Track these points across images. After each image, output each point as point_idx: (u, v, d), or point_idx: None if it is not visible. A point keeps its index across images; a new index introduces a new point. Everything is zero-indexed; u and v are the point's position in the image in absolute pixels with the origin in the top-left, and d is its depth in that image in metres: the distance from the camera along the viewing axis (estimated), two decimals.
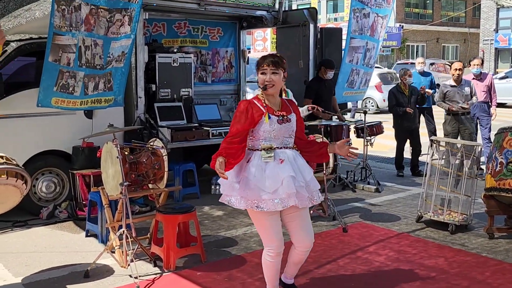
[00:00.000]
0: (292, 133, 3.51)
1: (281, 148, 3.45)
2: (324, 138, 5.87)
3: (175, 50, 7.29)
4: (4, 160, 3.80)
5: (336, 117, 7.26)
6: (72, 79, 5.27)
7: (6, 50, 5.74)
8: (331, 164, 5.94)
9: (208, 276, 4.28)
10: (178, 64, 7.03)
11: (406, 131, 8.02)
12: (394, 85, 8.80)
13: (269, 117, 3.40)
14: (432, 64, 22.00)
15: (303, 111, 6.20)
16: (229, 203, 3.49)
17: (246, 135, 3.45)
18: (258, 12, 7.89)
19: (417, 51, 37.84)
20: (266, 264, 3.59)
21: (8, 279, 4.25)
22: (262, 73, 3.44)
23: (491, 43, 32.52)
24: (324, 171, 5.69)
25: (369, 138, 7.55)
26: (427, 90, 9.01)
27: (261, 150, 3.42)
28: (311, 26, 7.67)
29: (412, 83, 8.23)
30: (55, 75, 5.16)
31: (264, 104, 3.46)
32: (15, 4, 7.74)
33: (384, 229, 5.48)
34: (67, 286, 4.11)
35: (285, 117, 3.47)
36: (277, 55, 3.54)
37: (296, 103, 3.88)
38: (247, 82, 9.28)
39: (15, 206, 4.06)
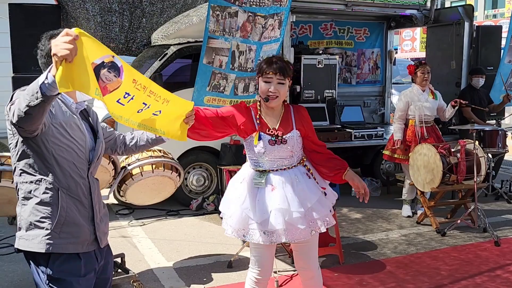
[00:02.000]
0: (292, 153, 2.97)
1: (276, 170, 2.95)
2: (476, 144, 5.49)
3: (320, 52, 7.34)
4: (162, 154, 4.17)
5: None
6: (224, 80, 5.58)
7: (166, 53, 6.28)
8: (483, 172, 5.52)
9: (339, 278, 4.26)
10: (323, 65, 7.08)
11: None
12: None
13: (260, 138, 2.90)
14: None
15: (448, 109, 5.85)
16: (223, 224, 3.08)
17: (220, 125, 2.91)
18: (408, 11, 7.61)
19: None
20: (247, 285, 3.11)
21: (162, 263, 4.66)
22: (265, 82, 2.87)
23: None
24: (475, 179, 5.31)
25: None
26: None
27: (255, 171, 2.99)
28: (466, 24, 7.20)
29: None
30: (208, 76, 5.51)
31: (258, 118, 2.94)
32: (176, 12, 8.43)
33: None
34: (212, 274, 4.38)
35: (279, 138, 2.91)
36: (284, 59, 2.97)
37: (307, 112, 3.14)
38: (393, 83, 9.01)
39: (169, 197, 4.44)
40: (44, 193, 2.12)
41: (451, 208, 6.02)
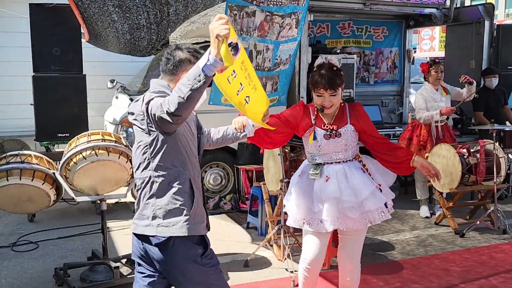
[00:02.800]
0: (347, 146, 3.14)
1: (331, 163, 3.14)
2: (496, 144, 5.42)
3: (338, 51, 7.31)
4: None
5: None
6: None
7: None
8: (503, 173, 5.45)
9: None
10: (341, 64, 7.04)
11: None
12: None
13: (315, 136, 3.11)
14: None
15: (435, 115, 5.71)
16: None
17: (285, 131, 3.18)
18: (427, 10, 7.53)
19: None
20: (300, 275, 3.35)
21: None
22: (318, 96, 3.07)
23: None
24: (494, 180, 5.24)
25: None
26: None
27: (312, 165, 3.19)
28: (487, 23, 7.11)
29: None
30: None
31: (314, 116, 3.15)
32: (191, 9, 8.43)
33: None
34: (229, 273, 4.38)
35: (334, 132, 3.11)
36: (334, 68, 3.06)
37: (363, 108, 3.28)
38: (411, 83, 8.93)
39: None
40: (180, 183, 2.40)
41: (470, 209, 5.95)
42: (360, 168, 3.16)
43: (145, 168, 2.42)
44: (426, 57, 19.73)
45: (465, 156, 5.39)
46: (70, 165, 3.90)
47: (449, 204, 5.60)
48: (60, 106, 5.97)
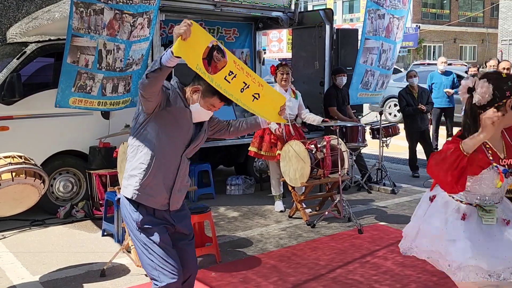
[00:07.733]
0: None
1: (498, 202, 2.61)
2: (339, 139, 5.85)
3: None
4: (23, 160, 3.86)
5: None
6: (91, 80, 5.33)
7: (25, 52, 5.82)
8: (346, 165, 5.91)
9: (222, 277, 4.29)
10: None
11: (416, 132, 7.99)
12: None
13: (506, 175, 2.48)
14: (449, 65, 21.72)
15: (314, 120, 6.13)
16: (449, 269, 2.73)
17: None
18: (274, 13, 7.89)
19: (434, 52, 37.54)
20: None
21: (26, 278, 4.31)
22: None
23: (510, 44, 32.06)
24: (339, 172, 5.67)
25: (384, 139, 7.51)
26: (447, 90, 9.06)
27: (479, 207, 2.59)
28: (327, 27, 7.64)
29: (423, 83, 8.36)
30: (73, 76, 5.22)
31: (490, 151, 2.50)
32: (35, 7, 7.84)
33: (397, 231, 5.44)
34: (84, 285, 4.15)
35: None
36: None
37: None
38: None
39: (33, 205, 4.13)
40: (144, 156, 2.80)
41: (320, 201, 6.36)
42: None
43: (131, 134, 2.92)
44: (276, 58, 20.74)
45: (313, 152, 5.75)
46: None
47: (300, 198, 5.93)
48: None
